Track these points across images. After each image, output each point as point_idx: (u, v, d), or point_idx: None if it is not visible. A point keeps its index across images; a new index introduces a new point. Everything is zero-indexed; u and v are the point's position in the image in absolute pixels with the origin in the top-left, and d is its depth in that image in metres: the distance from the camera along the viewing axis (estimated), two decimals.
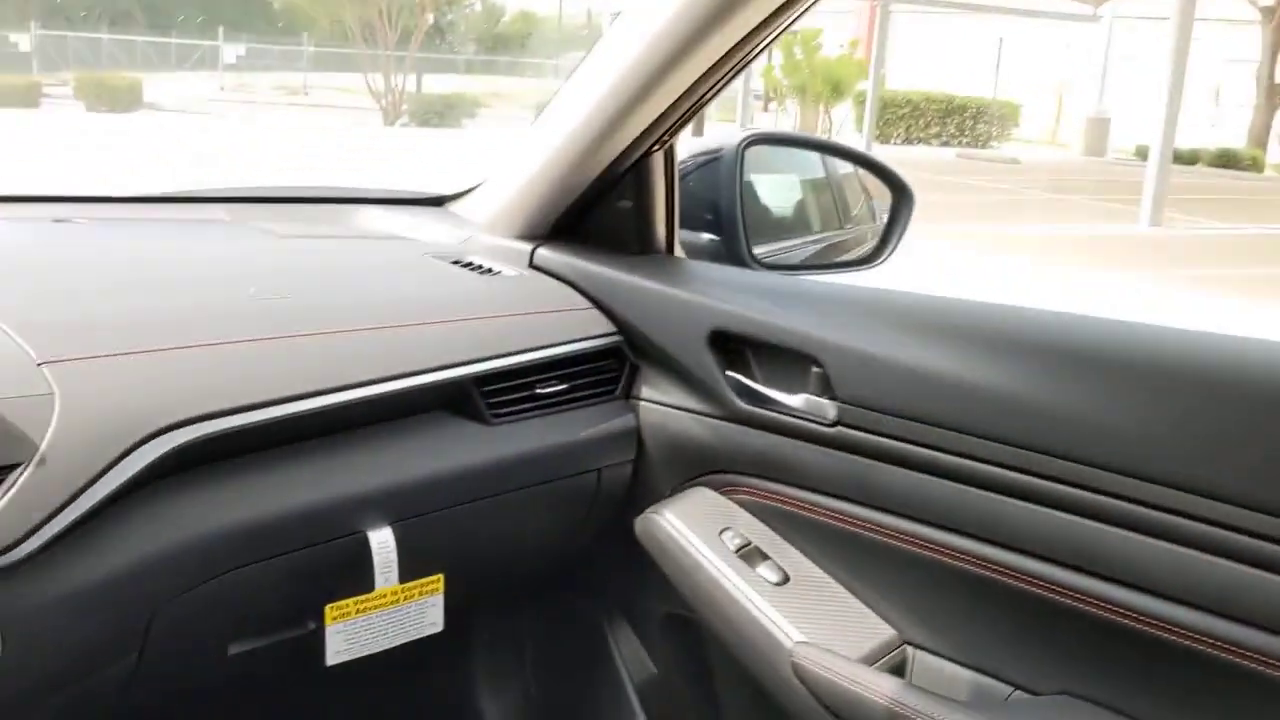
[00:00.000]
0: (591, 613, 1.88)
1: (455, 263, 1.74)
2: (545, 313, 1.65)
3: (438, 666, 1.94)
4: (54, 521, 1.10)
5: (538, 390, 1.59)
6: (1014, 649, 1.37)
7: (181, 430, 1.21)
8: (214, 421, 1.24)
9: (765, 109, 27.81)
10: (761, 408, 1.55)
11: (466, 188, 1.94)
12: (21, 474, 1.09)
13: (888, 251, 1.98)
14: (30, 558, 1.08)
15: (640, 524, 1.63)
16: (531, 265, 1.77)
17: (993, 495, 1.33)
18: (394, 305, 1.53)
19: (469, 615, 1.51)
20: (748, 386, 1.57)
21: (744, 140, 1.82)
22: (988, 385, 1.33)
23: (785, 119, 27.13)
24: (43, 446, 1.11)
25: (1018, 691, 1.36)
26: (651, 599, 1.76)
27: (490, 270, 1.73)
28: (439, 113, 24.20)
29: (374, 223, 1.96)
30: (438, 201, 1.99)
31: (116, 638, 1.22)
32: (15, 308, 1.25)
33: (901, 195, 1.98)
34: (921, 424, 1.38)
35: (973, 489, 1.35)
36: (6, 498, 1.07)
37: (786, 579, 1.51)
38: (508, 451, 1.53)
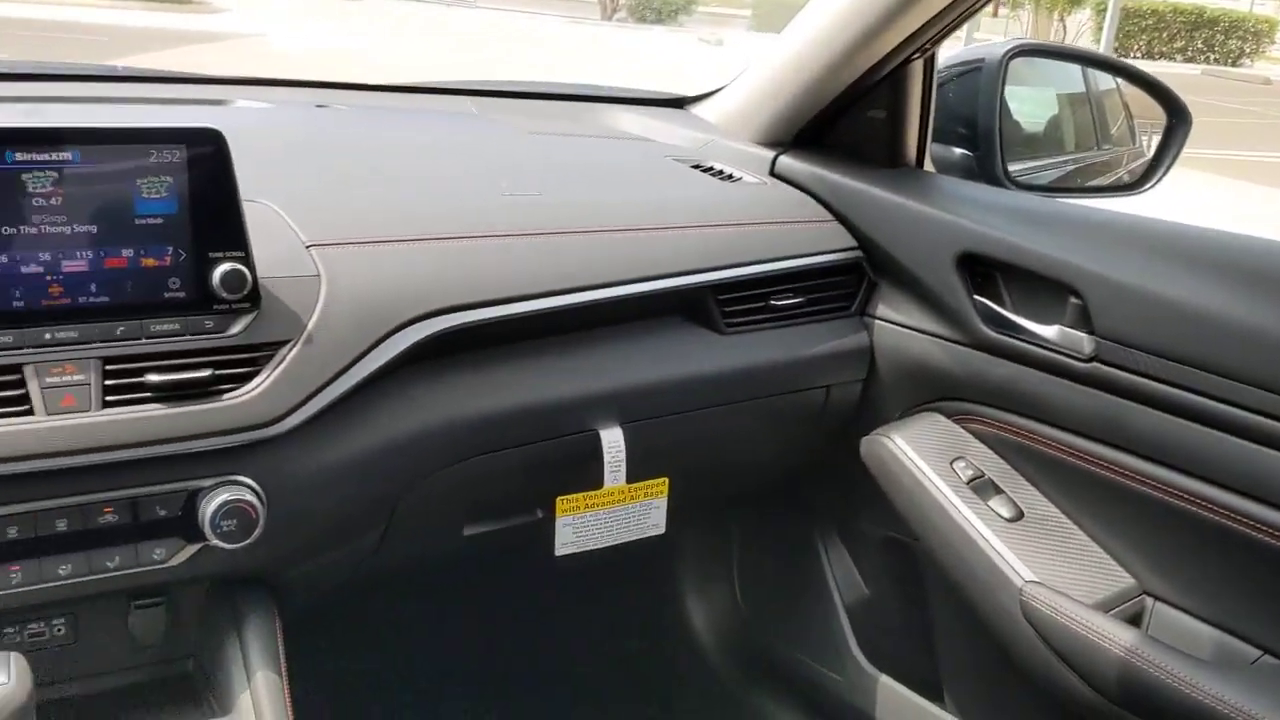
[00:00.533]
0: (805, 529, 1.87)
1: (696, 166, 1.72)
2: (785, 223, 1.61)
3: (651, 568, 1.98)
4: (317, 398, 1.15)
5: (772, 302, 1.56)
6: (1265, 610, 1.28)
7: (436, 319, 1.24)
8: (467, 313, 1.27)
9: (995, 13, 26.40)
10: (1009, 336, 1.48)
11: (709, 89, 1.91)
12: (290, 351, 1.14)
13: (1156, 178, 1.84)
14: (294, 431, 1.14)
15: (866, 445, 1.60)
16: (773, 173, 1.73)
17: (1257, 447, 1.24)
18: (638, 208, 1.53)
19: (684, 521, 1.53)
20: (996, 313, 1.50)
21: (1009, 51, 1.71)
22: (1260, 328, 1.23)
23: (1015, 27, 25.70)
24: (309, 326, 1.16)
25: (1266, 656, 1.28)
26: (869, 521, 1.73)
27: (731, 176, 1.70)
28: (656, 9, 23.97)
29: (616, 122, 1.96)
30: (679, 103, 1.97)
31: (366, 511, 1.28)
32: (285, 190, 1.29)
33: (1179, 118, 1.83)
34: (1185, 365, 1.29)
35: (1234, 438, 1.26)
36: (276, 373, 1.12)
37: (1020, 515, 1.45)
38: (739, 362, 1.52)
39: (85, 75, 1.73)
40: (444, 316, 1.25)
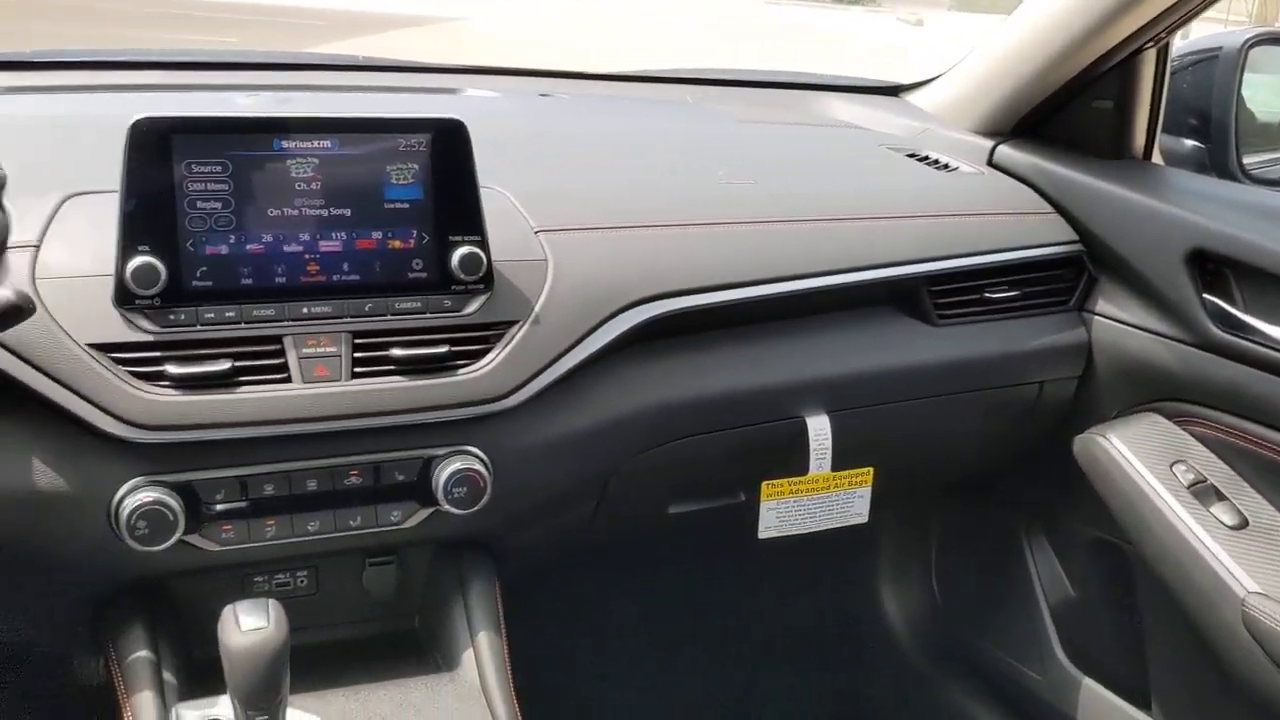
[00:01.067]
0: (1009, 525, 1.84)
1: (911, 155, 1.71)
2: (1003, 214, 1.58)
3: (846, 555, 1.99)
4: (542, 376, 1.21)
5: (987, 294, 1.54)
6: None
7: (655, 304, 1.28)
8: (684, 298, 1.30)
9: None
10: (1240, 337, 1.42)
11: (925, 77, 1.89)
12: (519, 331, 1.20)
13: None
14: (520, 407, 1.20)
15: (1080, 443, 1.56)
16: (990, 163, 1.70)
17: None
18: (852, 197, 1.53)
19: (885, 510, 1.53)
20: (1227, 313, 1.44)
21: (1249, 40, 1.63)
22: None
23: (1239, 2, 24.04)
24: (537, 307, 1.22)
25: None
26: (1079, 521, 1.69)
27: (947, 165, 1.68)
28: None
29: (829, 110, 1.96)
30: (893, 90, 1.95)
31: (582, 486, 1.34)
32: (515, 177, 1.35)
33: None
34: None
35: None
36: (506, 351, 1.19)
37: (1245, 523, 1.40)
38: (950, 354, 1.51)
39: (328, 65, 1.84)
40: (662, 301, 1.29)
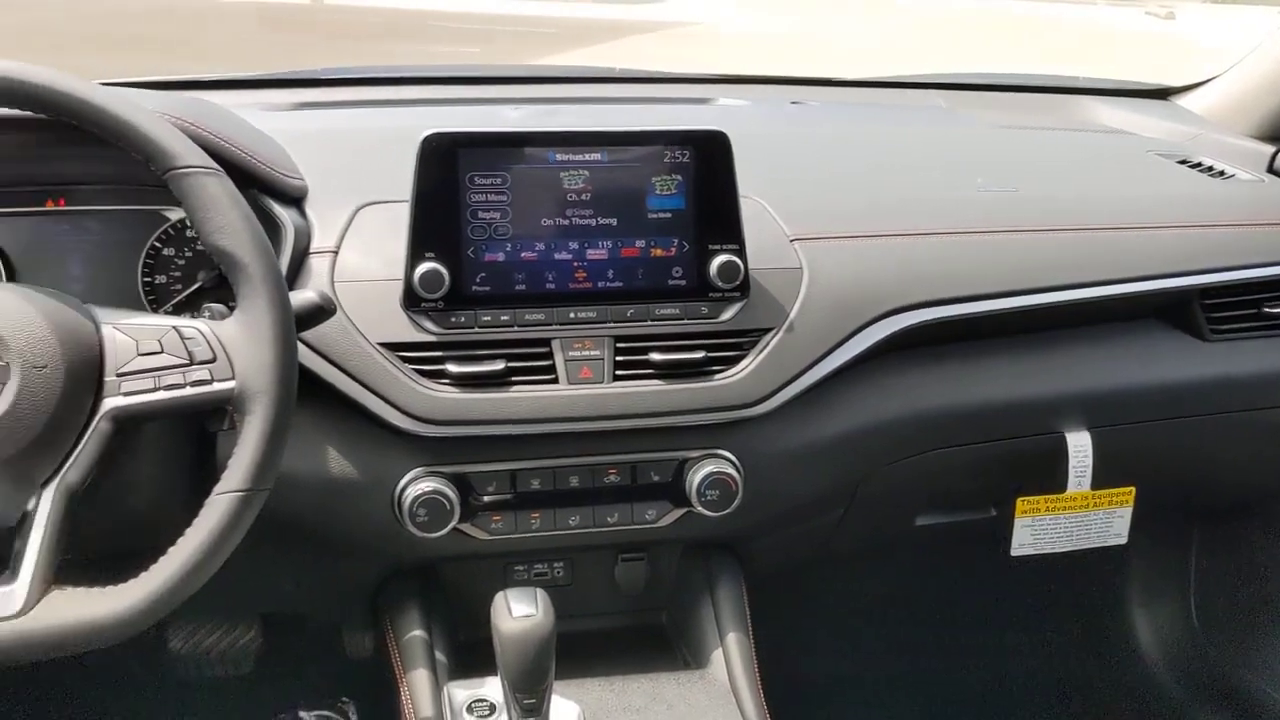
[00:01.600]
0: (1275, 554, 1.73)
1: (1182, 162, 1.63)
2: None
3: (1099, 574, 1.91)
4: (795, 383, 1.22)
5: (1265, 309, 1.45)
6: None
7: (910, 313, 1.28)
8: (940, 308, 1.29)
9: None
10: None
11: (1198, 80, 1.79)
12: (773, 338, 1.22)
13: None
14: (773, 413, 1.22)
15: None
16: (1271, 169, 1.60)
17: None
18: (1116, 205, 1.47)
19: (1142, 530, 1.46)
20: None
21: None
22: None
23: None
24: (791, 315, 1.23)
25: None
26: None
27: (1222, 172, 1.59)
28: None
29: (1091, 114, 1.88)
30: (1162, 93, 1.86)
31: (830, 492, 1.34)
32: (770, 186, 1.37)
33: None
34: None
35: None
36: (760, 358, 1.21)
37: None
38: (1224, 371, 1.43)
39: (586, 77, 1.91)
40: (917, 311, 1.28)
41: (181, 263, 1.22)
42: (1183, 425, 1.45)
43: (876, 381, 1.31)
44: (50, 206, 1.20)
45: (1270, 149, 1.61)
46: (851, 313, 1.26)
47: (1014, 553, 1.43)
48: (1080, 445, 1.38)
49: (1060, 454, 1.37)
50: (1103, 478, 1.40)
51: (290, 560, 1.26)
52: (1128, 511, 1.45)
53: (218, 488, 0.93)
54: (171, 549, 0.92)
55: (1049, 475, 1.39)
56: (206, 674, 1.64)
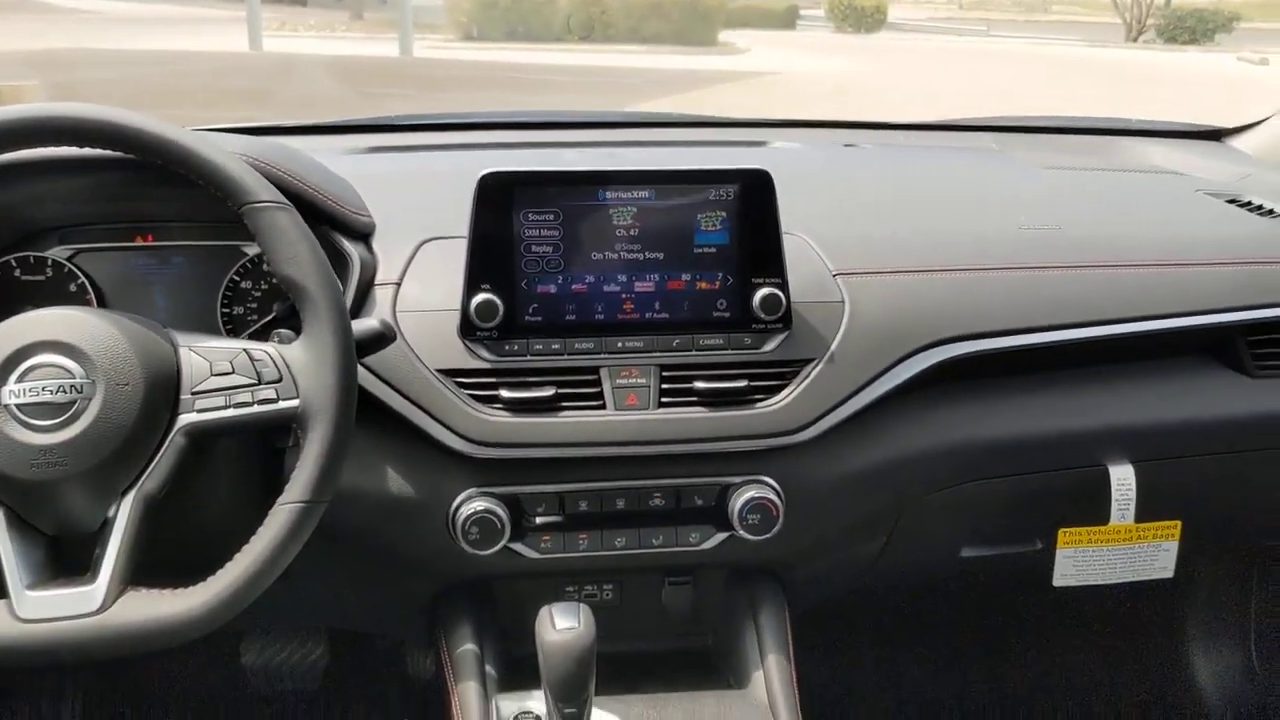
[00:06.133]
0: None
1: (1231, 201, 1.64)
2: None
3: (1152, 610, 1.90)
4: (836, 411, 1.26)
5: None
6: None
7: (950, 346, 1.31)
8: (980, 341, 1.32)
9: None
10: None
11: (1252, 120, 1.80)
12: (815, 369, 1.26)
13: None
14: (814, 440, 1.26)
15: None
16: None
17: None
18: (1161, 242, 1.49)
19: (1196, 566, 1.47)
20: None
21: None
22: None
23: None
24: (833, 346, 1.28)
25: None
26: None
27: (1271, 211, 1.60)
28: (1189, 27, 22.03)
29: (1143, 155, 1.90)
30: (1215, 135, 1.88)
31: (871, 521, 1.38)
32: (816, 222, 1.42)
33: None
34: None
35: None
36: (801, 387, 1.25)
37: None
38: (1270, 408, 1.44)
39: (645, 122, 1.99)
40: (958, 344, 1.32)
41: (258, 295, 1.31)
42: (1230, 460, 1.45)
43: (917, 413, 1.34)
44: (139, 242, 1.30)
45: None
46: (892, 345, 1.30)
47: (1056, 583, 1.44)
48: (1124, 478, 1.39)
49: (1104, 487, 1.39)
50: (1147, 511, 1.41)
51: (351, 573, 1.33)
52: (1174, 546, 1.45)
53: (280, 499, 1.00)
54: (237, 555, 0.99)
55: (1092, 508, 1.41)
56: (278, 688, 1.72)
